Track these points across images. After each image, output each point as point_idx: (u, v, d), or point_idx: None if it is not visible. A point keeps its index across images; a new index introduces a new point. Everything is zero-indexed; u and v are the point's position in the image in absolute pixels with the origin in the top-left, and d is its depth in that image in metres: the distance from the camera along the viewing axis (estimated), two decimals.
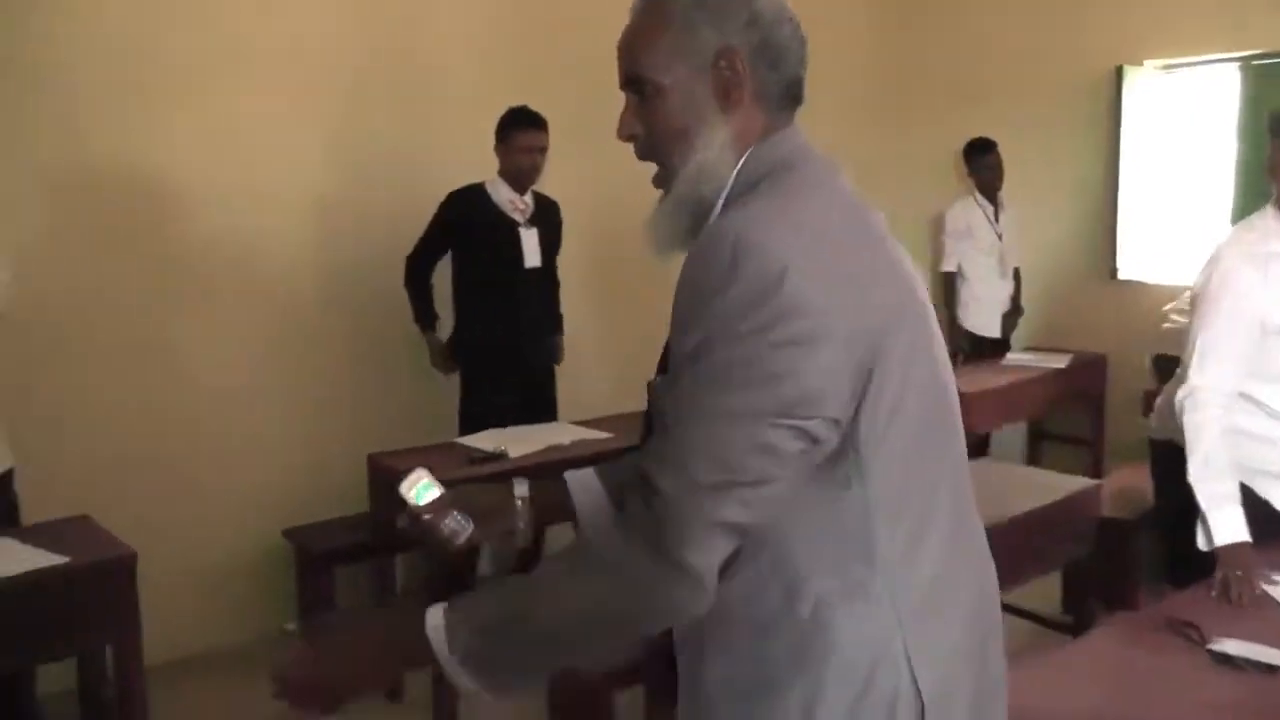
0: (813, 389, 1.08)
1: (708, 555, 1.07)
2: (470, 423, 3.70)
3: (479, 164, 3.72)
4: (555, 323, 4.06)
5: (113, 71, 3.32)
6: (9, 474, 2.80)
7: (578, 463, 1.54)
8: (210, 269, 3.54)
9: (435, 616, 1.14)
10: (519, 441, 3.30)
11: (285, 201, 3.76)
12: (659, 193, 1.27)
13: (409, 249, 3.78)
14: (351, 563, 3.47)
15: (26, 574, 2.37)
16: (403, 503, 1.37)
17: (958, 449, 1.25)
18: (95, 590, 2.45)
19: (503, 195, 3.79)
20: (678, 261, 1.19)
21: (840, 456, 1.12)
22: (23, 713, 2.87)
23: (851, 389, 1.10)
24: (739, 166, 1.20)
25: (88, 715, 2.89)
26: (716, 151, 1.20)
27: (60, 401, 3.25)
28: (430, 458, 2.80)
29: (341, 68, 3.88)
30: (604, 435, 3.47)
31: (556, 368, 4.00)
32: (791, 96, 1.24)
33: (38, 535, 2.56)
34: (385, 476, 3.10)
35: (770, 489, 1.08)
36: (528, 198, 3.84)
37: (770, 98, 1.22)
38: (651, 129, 1.23)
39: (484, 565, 2.80)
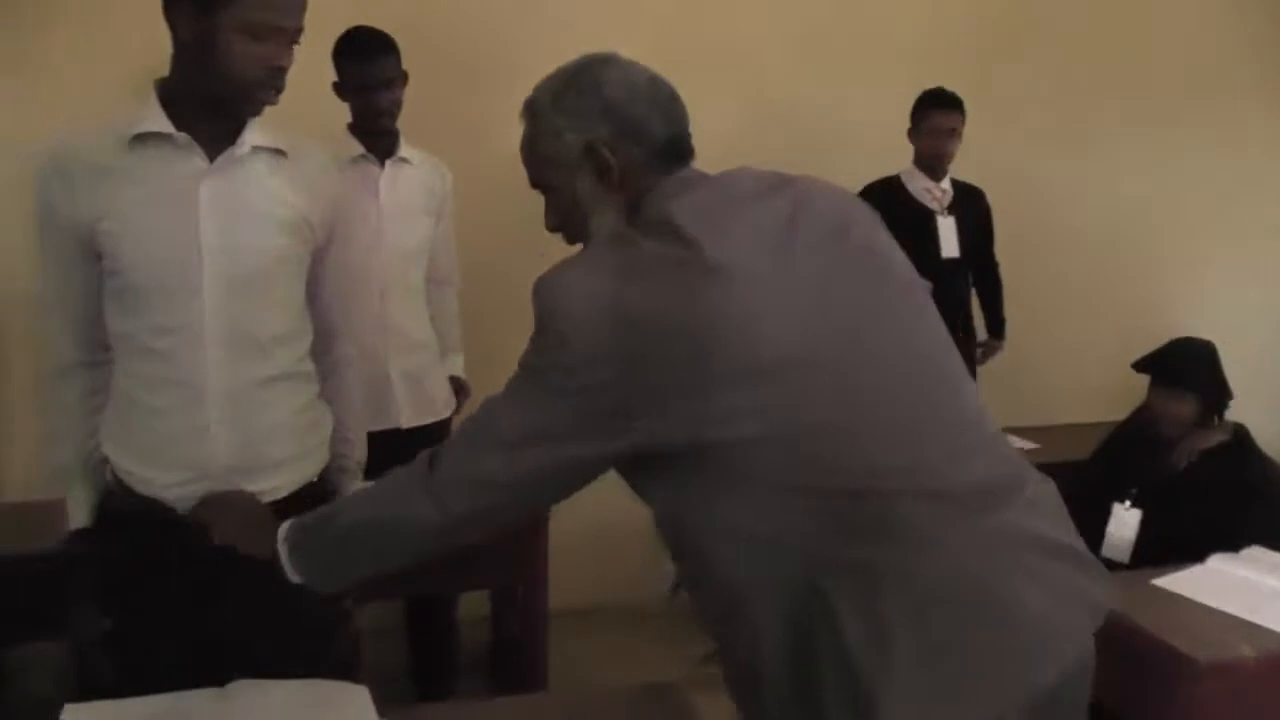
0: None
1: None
2: None
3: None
4: (991, 320, 3.91)
5: None
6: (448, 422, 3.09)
7: None
8: None
9: (287, 522, 1.53)
10: None
11: None
12: None
13: None
14: None
15: None
16: None
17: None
18: (510, 536, 2.67)
19: (918, 184, 3.67)
20: None
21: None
22: (441, 628, 3.20)
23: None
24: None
25: (497, 642, 3.18)
26: (610, 223, 1.39)
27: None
28: None
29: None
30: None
31: None
32: (671, 154, 1.41)
33: None
34: None
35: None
36: (945, 184, 3.69)
37: (644, 165, 1.39)
38: (561, 218, 1.45)
39: None
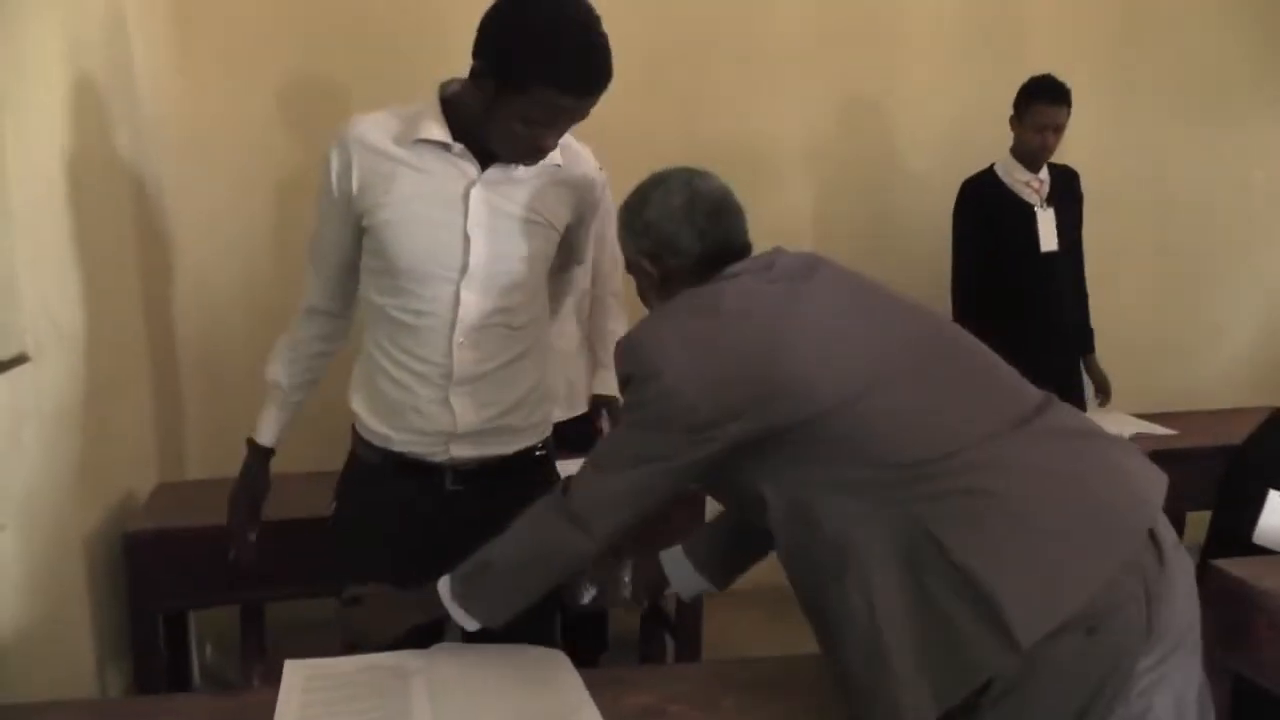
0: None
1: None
2: None
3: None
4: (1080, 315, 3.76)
5: None
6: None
7: None
8: None
9: (444, 580, 1.71)
10: None
11: None
12: None
13: None
14: None
15: None
16: None
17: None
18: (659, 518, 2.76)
19: (1016, 177, 3.58)
20: None
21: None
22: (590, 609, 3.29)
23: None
24: None
25: (646, 624, 3.21)
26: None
27: None
28: None
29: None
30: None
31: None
32: (708, 263, 1.67)
33: None
34: None
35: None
36: (1043, 173, 3.60)
37: (685, 271, 1.69)
38: (642, 296, 1.81)
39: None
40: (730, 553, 1.91)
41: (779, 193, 3.88)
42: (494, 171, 1.83)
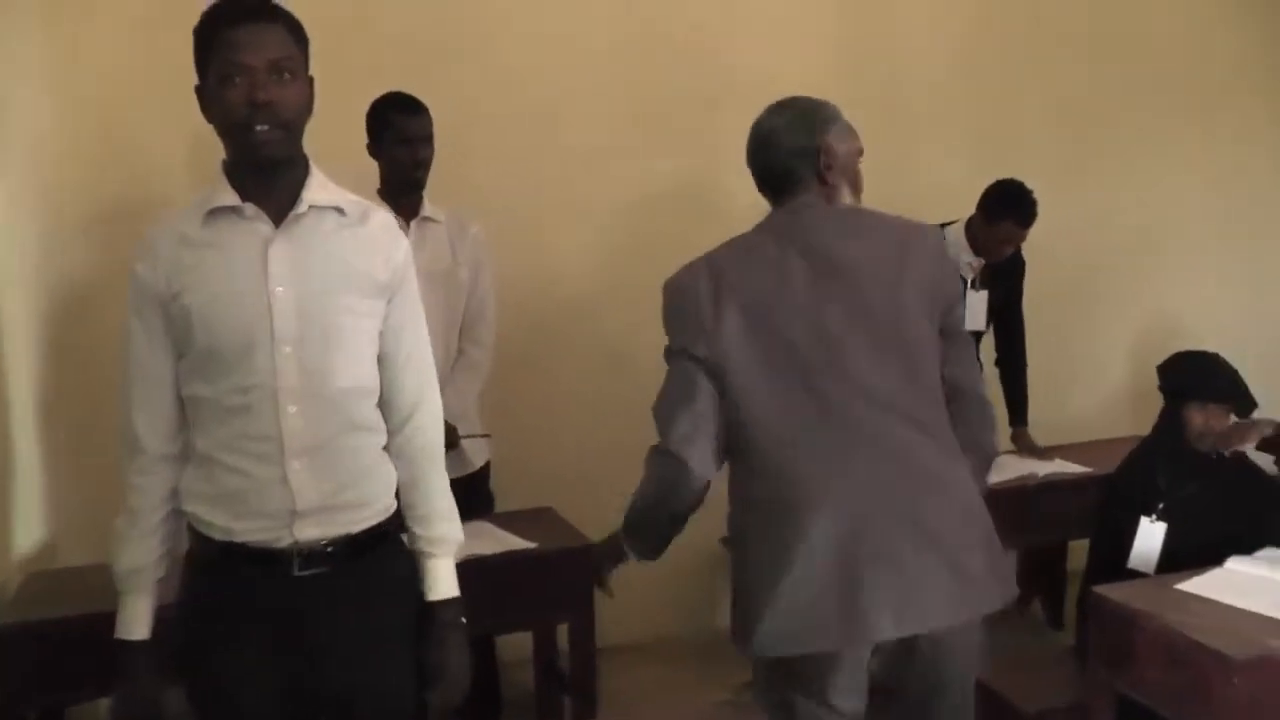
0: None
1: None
2: None
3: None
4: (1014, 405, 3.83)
5: None
6: (487, 467, 3.19)
7: None
8: None
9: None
10: None
11: None
12: None
13: None
14: None
15: (499, 555, 2.71)
16: None
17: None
18: (556, 574, 2.76)
19: (961, 257, 3.60)
20: None
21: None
22: (485, 668, 3.19)
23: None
24: None
25: (542, 684, 3.21)
26: None
27: (531, 406, 3.63)
28: None
29: None
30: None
31: None
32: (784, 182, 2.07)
33: (508, 522, 2.91)
34: None
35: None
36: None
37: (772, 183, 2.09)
38: None
39: None
40: None
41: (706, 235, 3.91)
42: (290, 227, 1.79)
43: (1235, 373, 2.77)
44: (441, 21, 3.59)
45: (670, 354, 2.02)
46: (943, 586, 1.88)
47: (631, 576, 3.40)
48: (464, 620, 1.96)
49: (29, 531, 2.98)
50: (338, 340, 1.80)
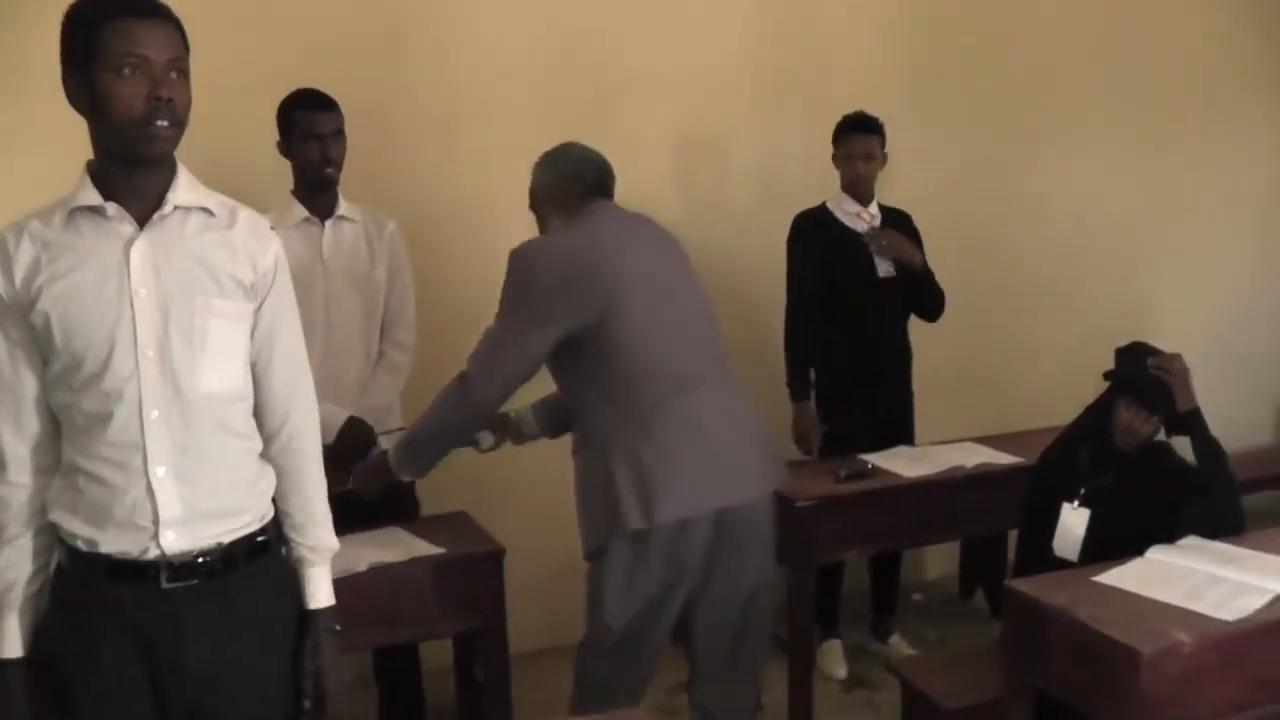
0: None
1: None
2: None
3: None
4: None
5: None
6: None
7: None
8: None
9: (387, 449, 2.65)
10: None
11: None
12: None
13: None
14: None
15: (408, 561, 2.65)
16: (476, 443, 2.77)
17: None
18: (467, 580, 2.70)
19: (846, 209, 3.68)
20: None
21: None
22: (407, 676, 3.24)
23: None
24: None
25: (461, 692, 3.19)
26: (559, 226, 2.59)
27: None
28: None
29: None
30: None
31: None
32: (591, 192, 2.57)
33: (421, 527, 2.85)
34: None
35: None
36: (873, 208, 3.71)
37: (570, 200, 2.56)
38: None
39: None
40: (555, 415, 2.76)
41: None
42: (154, 228, 1.75)
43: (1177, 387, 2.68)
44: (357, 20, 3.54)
45: None
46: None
47: (542, 579, 3.39)
48: (338, 629, 1.93)
49: None
50: (201, 343, 1.76)
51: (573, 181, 2.55)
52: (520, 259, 2.42)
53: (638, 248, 2.48)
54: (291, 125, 2.94)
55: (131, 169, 1.73)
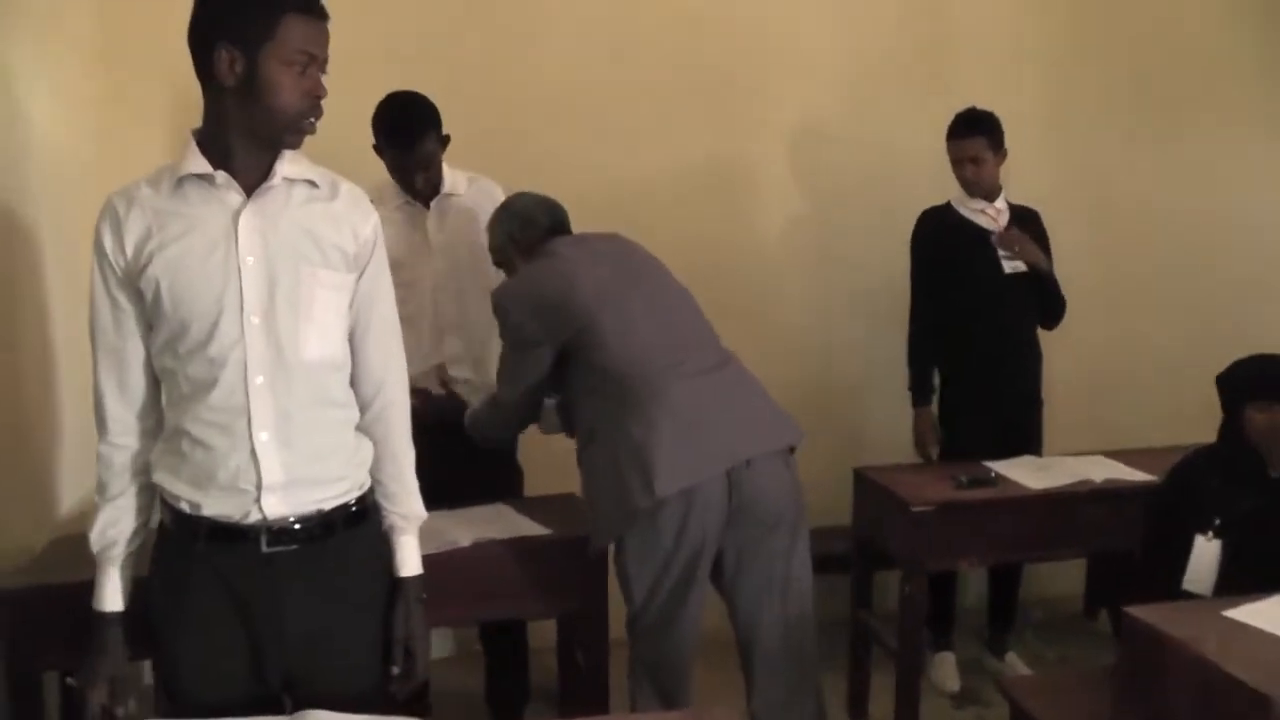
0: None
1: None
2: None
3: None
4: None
5: None
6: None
7: None
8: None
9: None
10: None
11: None
12: None
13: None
14: (829, 573, 3.46)
15: (512, 540, 2.68)
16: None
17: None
18: (568, 562, 2.70)
19: (971, 206, 3.56)
20: None
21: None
22: (514, 652, 3.32)
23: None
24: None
25: (563, 673, 3.21)
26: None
27: None
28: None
29: None
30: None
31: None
32: (548, 233, 2.77)
33: (528, 507, 2.89)
34: (869, 489, 3.27)
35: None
36: (1000, 203, 3.57)
37: (531, 243, 2.76)
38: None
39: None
40: (566, 415, 2.79)
41: (741, 218, 3.92)
42: (261, 197, 1.78)
43: None
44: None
45: None
46: None
47: None
48: (425, 597, 1.98)
49: (73, 495, 3.02)
50: (307, 311, 1.80)
51: (530, 228, 2.74)
52: (496, 304, 2.65)
53: (598, 262, 2.63)
54: (380, 149, 2.98)
55: (251, 143, 1.77)
